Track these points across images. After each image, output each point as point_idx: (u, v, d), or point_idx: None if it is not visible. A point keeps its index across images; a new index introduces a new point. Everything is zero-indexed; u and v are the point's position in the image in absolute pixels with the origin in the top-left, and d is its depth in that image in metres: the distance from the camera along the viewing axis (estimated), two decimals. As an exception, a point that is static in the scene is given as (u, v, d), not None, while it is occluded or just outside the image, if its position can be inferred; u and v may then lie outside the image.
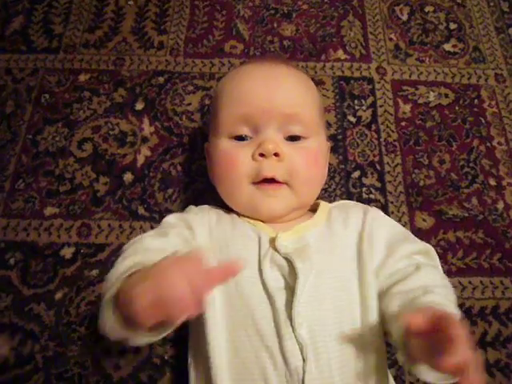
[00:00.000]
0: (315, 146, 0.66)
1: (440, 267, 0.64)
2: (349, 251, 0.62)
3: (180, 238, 0.60)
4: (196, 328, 0.60)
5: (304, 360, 0.52)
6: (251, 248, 0.60)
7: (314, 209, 0.69)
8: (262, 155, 0.62)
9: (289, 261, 0.57)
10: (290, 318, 0.54)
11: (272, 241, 0.60)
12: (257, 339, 0.54)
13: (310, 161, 0.65)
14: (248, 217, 0.65)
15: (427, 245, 0.64)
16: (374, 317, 0.57)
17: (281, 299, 0.56)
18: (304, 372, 0.52)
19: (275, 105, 0.63)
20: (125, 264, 0.53)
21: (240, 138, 0.64)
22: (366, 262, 0.60)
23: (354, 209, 0.68)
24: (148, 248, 0.57)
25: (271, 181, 0.62)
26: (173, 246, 0.56)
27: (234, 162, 0.63)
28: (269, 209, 0.63)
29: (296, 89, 0.67)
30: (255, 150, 0.62)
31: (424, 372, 0.49)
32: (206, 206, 0.69)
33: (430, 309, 0.47)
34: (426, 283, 0.56)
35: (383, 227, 0.64)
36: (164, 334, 0.51)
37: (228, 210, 0.68)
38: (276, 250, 0.59)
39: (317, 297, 0.56)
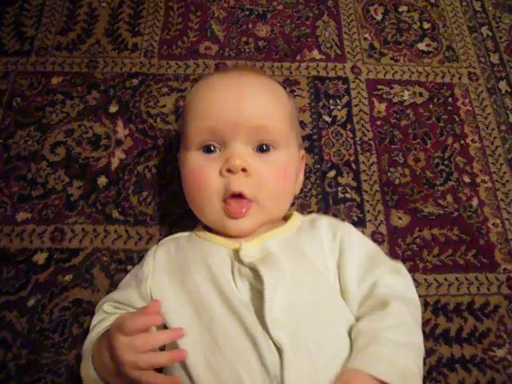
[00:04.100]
0: (284, 158, 0.64)
1: (410, 283, 0.62)
2: (318, 265, 0.61)
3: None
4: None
5: (281, 365, 0.50)
6: (216, 265, 0.59)
7: (287, 218, 0.69)
8: (229, 171, 0.61)
9: (254, 270, 0.56)
10: (265, 325, 0.52)
11: (236, 252, 0.59)
12: (231, 356, 0.52)
13: (280, 175, 0.63)
14: (211, 231, 0.65)
15: (398, 263, 0.63)
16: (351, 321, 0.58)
17: (252, 310, 0.55)
18: (283, 379, 0.50)
19: (242, 117, 0.61)
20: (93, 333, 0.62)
21: (209, 150, 0.63)
22: (335, 282, 0.60)
23: (323, 224, 0.65)
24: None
25: (239, 196, 0.61)
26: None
27: (203, 179, 0.63)
28: (238, 228, 0.62)
29: (264, 100, 0.64)
30: (223, 166, 0.61)
31: None
32: (162, 242, 0.69)
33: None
34: (387, 326, 0.54)
35: (354, 251, 0.62)
36: None
37: (189, 229, 0.70)
38: (240, 261, 0.58)
39: (292, 302, 0.55)
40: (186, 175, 0.67)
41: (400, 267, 0.63)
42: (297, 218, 0.69)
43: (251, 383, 0.51)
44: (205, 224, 0.67)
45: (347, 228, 0.66)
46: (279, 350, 0.51)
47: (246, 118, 0.62)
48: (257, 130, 0.62)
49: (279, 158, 0.64)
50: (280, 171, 0.64)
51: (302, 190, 0.85)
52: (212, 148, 0.63)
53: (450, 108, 0.97)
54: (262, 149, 0.63)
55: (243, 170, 0.61)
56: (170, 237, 0.70)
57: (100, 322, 0.63)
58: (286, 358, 0.50)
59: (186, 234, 0.69)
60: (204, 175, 0.63)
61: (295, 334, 0.53)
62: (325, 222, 0.66)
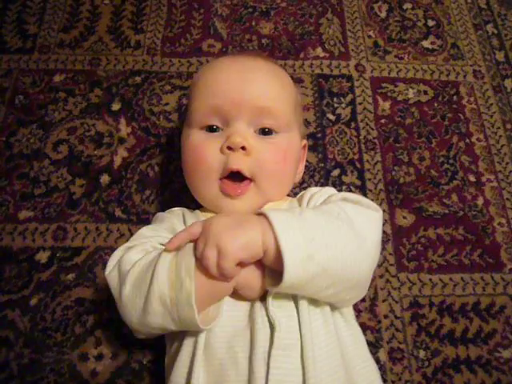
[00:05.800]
0: (285, 142, 0.65)
1: (362, 200, 0.61)
2: None
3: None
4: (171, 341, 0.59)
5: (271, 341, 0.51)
6: None
7: None
8: (229, 148, 0.61)
9: None
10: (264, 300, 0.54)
11: None
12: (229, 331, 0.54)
13: (279, 157, 0.64)
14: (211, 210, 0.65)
15: (346, 193, 0.64)
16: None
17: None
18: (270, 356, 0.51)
19: (247, 97, 0.62)
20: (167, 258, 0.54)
21: (211, 129, 0.64)
22: None
23: (309, 190, 0.67)
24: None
25: (237, 175, 0.62)
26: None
27: (203, 155, 0.63)
28: (232, 208, 0.63)
29: (270, 82, 0.65)
30: (223, 143, 0.62)
31: None
32: (167, 213, 0.69)
33: None
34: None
35: (315, 198, 0.64)
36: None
37: (192, 208, 0.69)
38: None
39: None
40: (186, 152, 0.67)
41: (347, 195, 0.62)
42: (289, 198, 0.70)
43: (244, 358, 0.51)
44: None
45: (321, 188, 0.67)
46: (272, 327, 0.52)
47: (251, 98, 0.62)
48: (260, 111, 0.63)
49: (280, 140, 0.65)
50: (279, 153, 0.64)
51: (306, 189, 0.84)
52: (215, 127, 0.64)
53: (454, 106, 0.96)
54: (265, 131, 0.64)
55: (243, 148, 0.61)
56: (168, 213, 0.69)
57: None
58: (277, 336, 0.51)
59: (188, 209, 0.69)
60: (204, 152, 0.63)
61: (292, 314, 0.53)
62: (309, 192, 0.66)
